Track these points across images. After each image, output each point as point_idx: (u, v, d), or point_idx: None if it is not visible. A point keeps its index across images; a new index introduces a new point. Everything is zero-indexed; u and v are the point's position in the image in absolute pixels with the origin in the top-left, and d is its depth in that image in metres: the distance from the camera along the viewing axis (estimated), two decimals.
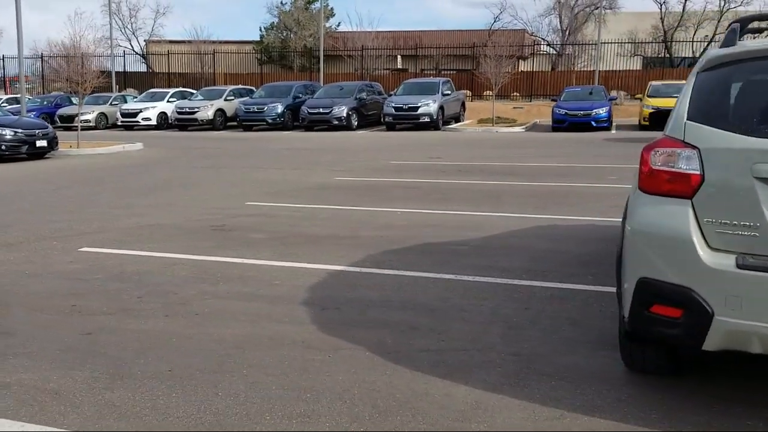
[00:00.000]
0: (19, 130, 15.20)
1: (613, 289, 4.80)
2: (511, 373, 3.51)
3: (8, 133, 14.91)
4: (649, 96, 22.28)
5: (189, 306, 4.74)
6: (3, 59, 38.83)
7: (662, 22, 37.21)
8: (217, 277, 5.50)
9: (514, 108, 28.26)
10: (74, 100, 28.18)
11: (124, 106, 27.23)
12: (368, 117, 25.38)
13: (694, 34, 36.45)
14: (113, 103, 28.24)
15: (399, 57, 40.07)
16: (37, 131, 15.57)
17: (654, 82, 24.00)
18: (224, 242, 6.80)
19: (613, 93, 26.22)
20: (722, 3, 36.63)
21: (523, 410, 3.12)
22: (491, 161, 13.91)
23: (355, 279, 5.36)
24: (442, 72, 34.35)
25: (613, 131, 21.51)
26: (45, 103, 29.66)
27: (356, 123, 24.53)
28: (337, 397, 3.28)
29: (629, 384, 3.38)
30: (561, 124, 21.84)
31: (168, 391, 3.39)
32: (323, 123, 24.16)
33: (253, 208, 8.81)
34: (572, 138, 19.29)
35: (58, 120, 26.18)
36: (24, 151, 15.13)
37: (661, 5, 37.66)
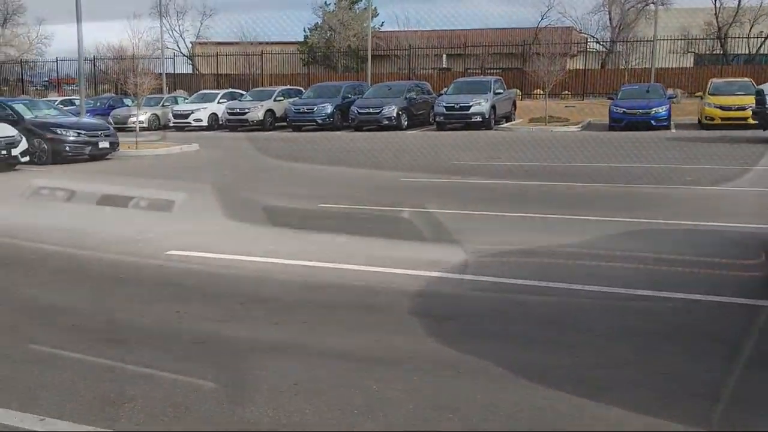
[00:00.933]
0: (82, 131, 15.35)
1: (744, 301, 4.56)
2: (663, 394, 3.25)
3: (71, 135, 15.07)
4: (710, 94, 21.53)
5: (294, 313, 4.59)
6: (57, 61, 39.70)
7: (716, 18, 36.11)
8: (313, 282, 5.35)
9: (566, 106, 27.68)
10: (126, 101, 28.62)
11: (176, 108, 27.49)
12: (417, 117, 25.12)
13: (750, 30, 35.27)
14: (165, 104, 28.56)
15: (444, 56, 39.75)
16: (99, 132, 15.71)
17: (715, 80, 23.20)
18: (309, 246, 6.66)
19: (670, 91, 25.42)
20: None
21: None
22: (556, 161, 13.53)
23: (459, 287, 5.15)
24: (488, 71, 33.88)
25: (673, 130, 20.86)
26: (98, 104, 30.10)
27: (406, 123, 24.28)
28: (481, 418, 3.08)
29: None
30: (618, 123, 21.25)
31: (300, 407, 3.23)
32: (373, 123, 23.98)
33: (329, 210, 8.67)
34: (632, 137, 18.72)
35: (112, 121, 26.56)
36: (87, 152, 15.27)
37: (715, 0, 36.60)
